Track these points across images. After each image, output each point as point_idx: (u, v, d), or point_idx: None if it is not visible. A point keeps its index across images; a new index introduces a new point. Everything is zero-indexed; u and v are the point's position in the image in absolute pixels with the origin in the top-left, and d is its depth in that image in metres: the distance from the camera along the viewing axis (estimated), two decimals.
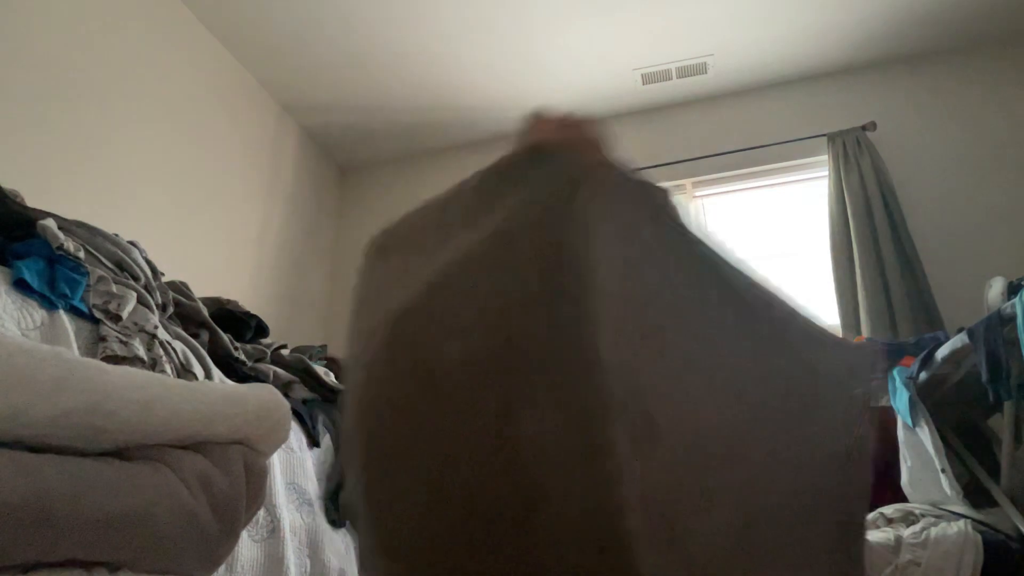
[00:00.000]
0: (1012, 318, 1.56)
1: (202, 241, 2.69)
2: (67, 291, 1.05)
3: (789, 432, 0.61)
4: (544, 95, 3.34)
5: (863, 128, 2.99)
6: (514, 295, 0.55)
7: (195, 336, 1.40)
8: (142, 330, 1.14)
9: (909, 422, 1.91)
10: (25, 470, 0.68)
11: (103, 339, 1.06)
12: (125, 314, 1.12)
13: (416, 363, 0.56)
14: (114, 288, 1.14)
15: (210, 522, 0.88)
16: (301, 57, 3.01)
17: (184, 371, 1.21)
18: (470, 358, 0.54)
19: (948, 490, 1.76)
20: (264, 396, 1.14)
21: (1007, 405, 1.68)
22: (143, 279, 1.27)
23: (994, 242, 2.75)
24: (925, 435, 1.84)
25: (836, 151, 2.98)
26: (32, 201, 1.21)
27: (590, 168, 0.61)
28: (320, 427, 1.59)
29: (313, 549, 1.38)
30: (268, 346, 1.75)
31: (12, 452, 0.69)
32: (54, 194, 1.90)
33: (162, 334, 1.19)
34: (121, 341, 1.07)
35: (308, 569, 1.35)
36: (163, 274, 1.39)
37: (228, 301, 1.79)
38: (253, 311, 1.85)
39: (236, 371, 1.49)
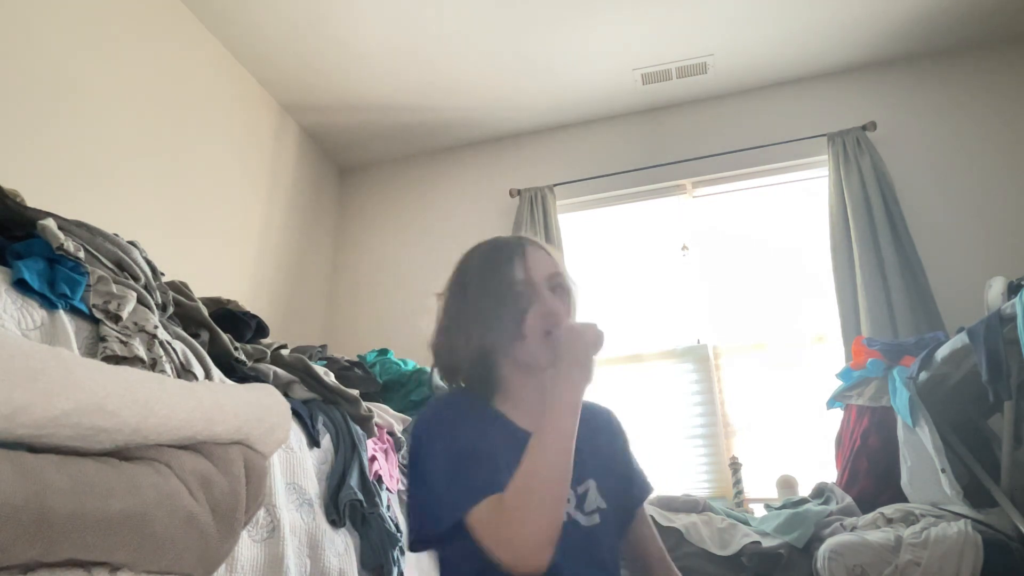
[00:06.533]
0: (1012, 318, 1.56)
1: (202, 241, 2.69)
2: (67, 291, 1.05)
3: None
4: (544, 95, 3.34)
5: (863, 128, 2.99)
6: None
7: (195, 336, 1.40)
8: (142, 330, 1.14)
9: (909, 422, 1.91)
10: (25, 470, 0.68)
11: (103, 339, 1.06)
12: (125, 314, 1.12)
13: None
14: (114, 288, 1.14)
15: (210, 522, 0.88)
16: (301, 57, 3.01)
17: (184, 371, 1.20)
18: None
19: (948, 490, 1.76)
20: (264, 396, 1.14)
21: (1007, 405, 1.68)
22: (143, 279, 1.27)
23: (994, 242, 2.75)
24: (925, 435, 1.84)
25: (836, 151, 2.98)
26: (32, 201, 1.20)
27: None
28: (320, 427, 1.59)
29: (313, 549, 1.38)
30: (268, 346, 1.74)
31: (12, 452, 0.69)
32: (54, 194, 1.90)
33: (162, 334, 1.19)
34: (121, 341, 1.07)
35: (308, 569, 1.35)
36: (163, 274, 1.39)
37: (228, 301, 1.79)
38: (253, 311, 1.85)
39: (236, 371, 1.49)
